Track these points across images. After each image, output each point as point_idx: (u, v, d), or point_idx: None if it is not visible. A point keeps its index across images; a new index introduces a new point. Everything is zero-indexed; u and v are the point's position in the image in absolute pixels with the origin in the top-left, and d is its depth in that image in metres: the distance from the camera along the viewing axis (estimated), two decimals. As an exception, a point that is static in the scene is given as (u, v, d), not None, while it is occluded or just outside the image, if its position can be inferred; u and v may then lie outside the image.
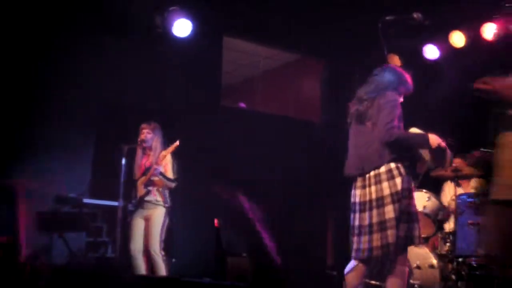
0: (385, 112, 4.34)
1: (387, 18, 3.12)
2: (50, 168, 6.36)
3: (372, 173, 4.51)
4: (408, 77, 4.57)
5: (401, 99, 4.50)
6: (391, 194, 4.40)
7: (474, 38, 7.04)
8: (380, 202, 4.46)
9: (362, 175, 4.55)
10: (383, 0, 6.23)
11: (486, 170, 5.58)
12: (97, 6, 6.65)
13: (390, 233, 4.38)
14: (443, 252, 5.91)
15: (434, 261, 5.62)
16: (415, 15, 3.14)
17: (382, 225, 4.43)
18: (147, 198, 6.10)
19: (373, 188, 4.49)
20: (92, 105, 6.85)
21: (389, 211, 4.40)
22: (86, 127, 6.87)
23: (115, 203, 6.06)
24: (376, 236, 4.41)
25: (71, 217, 6.29)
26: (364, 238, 4.47)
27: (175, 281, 3.29)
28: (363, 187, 4.56)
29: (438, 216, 5.98)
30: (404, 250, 4.46)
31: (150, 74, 6.93)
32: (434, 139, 4.23)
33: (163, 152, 6.11)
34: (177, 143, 6.02)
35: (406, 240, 4.35)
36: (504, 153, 3.07)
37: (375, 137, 4.42)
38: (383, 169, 4.45)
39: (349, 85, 3.34)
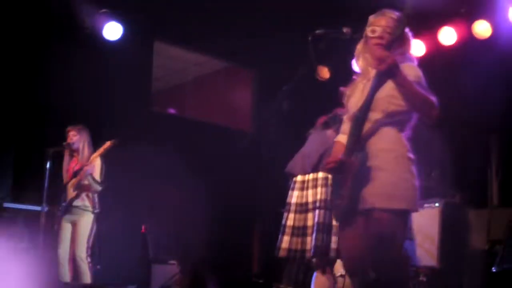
0: None
1: (317, 32, 3.17)
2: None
3: (311, 176, 4.62)
4: None
5: None
6: (320, 201, 4.51)
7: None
8: (312, 206, 4.56)
9: (303, 174, 4.66)
10: (314, 14, 6.34)
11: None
12: (23, 3, 6.49)
13: (309, 240, 4.48)
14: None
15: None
16: (344, 30, 3.20)
17: (307, 230, 4.52)
18: (75, 203, 5.96)
19: (310, 191, 4.60)
20: (14, 106, 6.64)
21: (312, 218, 4.50)
22: (7, 129, 6.64)
23: (38, 208, 5.91)
24: (309, 239, 4.49)
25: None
26: (297, 239, 4.55)
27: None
28: (301, 189, 4.66)
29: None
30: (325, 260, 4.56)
31: (78, 76, 6.78)
32: None
33: (94, 154, 6.00)
34: (109, 143, 5.92)
35: (325, 250, 4.44)
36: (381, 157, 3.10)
37: (330, 140, 4.56)
38: (321, 174, 4.56)
39: (277, 96, 3.39)
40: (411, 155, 3.14)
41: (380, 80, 3.01)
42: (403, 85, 2.98)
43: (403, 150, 3.12)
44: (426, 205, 6.10)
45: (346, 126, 3.34)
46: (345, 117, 3.40)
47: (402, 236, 3.13)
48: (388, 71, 2.92)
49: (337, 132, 4.58)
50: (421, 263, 5.74)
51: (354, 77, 3.39)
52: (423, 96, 3.02)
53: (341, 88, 3.43)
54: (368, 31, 3.25)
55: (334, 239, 4.42)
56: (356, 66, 3.38)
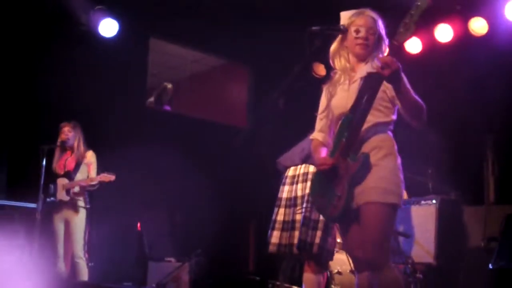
0: None
1: (313, 28, 3.15)
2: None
3: (302, 170, 4.61)
4: None
5: None
6: (309, 195, 4.49)
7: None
8: (300, 200, 4.55)
9: (293, 165, 4.65)
10: (310, 9, 6.33)
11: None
12: (18, 1, 6.46)
13: (297, 234, 4.46)
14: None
15: (354, 267, 5.71)
16: (341, 27, 3.19)
17: (296, 224, 4.51)
18: (66, 199, 5.98)
19: (299, 185, 4.58)
20: (8, 103, 6.60)
21: (300, 212, 4.50)
22: (1, 126, 6.60)
23: (33, 205, 5.89)
24: (297, 233, 4.47)
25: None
26: (286, 234, 4.53)
27: (96, 286, 3.22)
28: (291, 183, 4.65)
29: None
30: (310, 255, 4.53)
31: (73, 73, 6.75)
32: None
33: (96, 176, 6.01)
34: (113, 177, 5.92)
35: (310, 245, 4.42)
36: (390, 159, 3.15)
37: None
38: (311, 168, 4.54)
39: (273, 93, 3.36)
40: (396, 151, 3.21)
41: (379, 83, 3.02)
42: (402, 92, 3.02)
43: (392, 146, 3.19)
44: (423, 202, 6.09)
45: (323, 123, 3.39)
46: (321, 114, 3.41)
47: (391, 230, 3.23)
48: (392, 77, 2.93)
49: None
50: (418, 260, 5.73)
51: (332, 74, 3.39)
52: (418, 102, 3.08)
53: (322, 85, 3.42)
54: (352, 30, 3.24)
55: (319, 234, 4.40)
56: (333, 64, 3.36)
